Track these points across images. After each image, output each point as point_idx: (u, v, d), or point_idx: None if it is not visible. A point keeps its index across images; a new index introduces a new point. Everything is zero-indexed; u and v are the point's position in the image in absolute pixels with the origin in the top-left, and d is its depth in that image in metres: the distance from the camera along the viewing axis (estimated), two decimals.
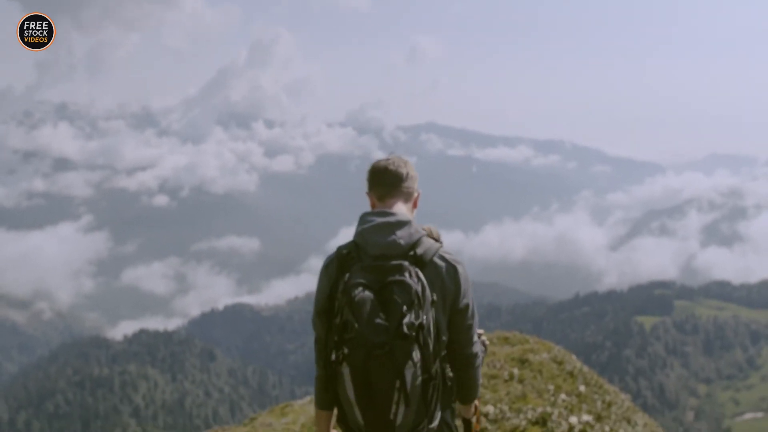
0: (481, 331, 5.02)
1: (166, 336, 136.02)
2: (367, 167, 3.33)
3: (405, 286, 2.73)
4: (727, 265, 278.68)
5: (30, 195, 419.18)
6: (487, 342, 5.02)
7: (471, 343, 3.13)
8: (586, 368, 13.43)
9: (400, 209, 3.08)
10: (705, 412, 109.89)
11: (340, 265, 2.93)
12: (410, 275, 2.77)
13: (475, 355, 3.17)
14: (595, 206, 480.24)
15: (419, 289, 2.74)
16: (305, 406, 13.01)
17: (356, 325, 2.68)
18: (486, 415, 8.87)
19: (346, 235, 3.26)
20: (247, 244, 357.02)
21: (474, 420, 3.87)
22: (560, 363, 12.71)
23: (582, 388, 11.28)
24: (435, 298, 2.84)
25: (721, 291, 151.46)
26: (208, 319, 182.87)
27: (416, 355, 2.69)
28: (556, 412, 8.88)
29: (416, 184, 3.25)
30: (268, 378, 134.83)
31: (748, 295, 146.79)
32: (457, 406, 3.68)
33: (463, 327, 3.06)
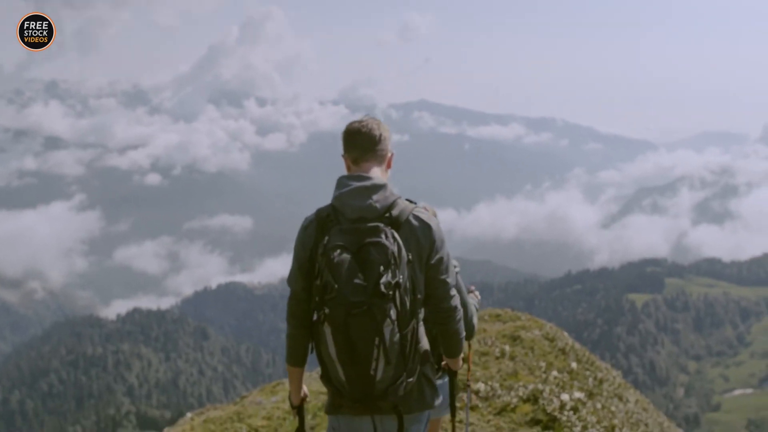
0: (473, 287, 5.07)
1: (159, 315, 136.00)
2: None
3: (381, 247, 2.83)
4: (717, 243, 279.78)
5: (21, 174, 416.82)
6: (479, 296, 5.07)
7: (448, 297, 3.17)
8: (577, 345, 13.41)
9: (375, 173, 3.15)
10: (695, 389, 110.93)
11: (320, 227, 3.02)
12: (386, 236, 2.87)
13: (454, 308, 3.21)
14: (587, 184, 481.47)
15: (395, 249, 2.85)
16: None
17: (336, 286, 2.77)
18: (477, 392, 8.84)
19: None
20: (240, 223, 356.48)
21: (466, 370, 3.99)
22: (552, 340, 12.69)
23: (574, 365, 11.26)
24: (410, 257, 2.95)
25: (712, 268, 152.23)
26: (201, 298, 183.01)
27: (393, 312, 2.80)
28: (547, 389, 8.85)
29: (390, 144, 3.28)
30: (262, 356, 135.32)
31: (739, 273, 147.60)
32: (445, 359, 3.77)
33: (438, 281, 3.12)
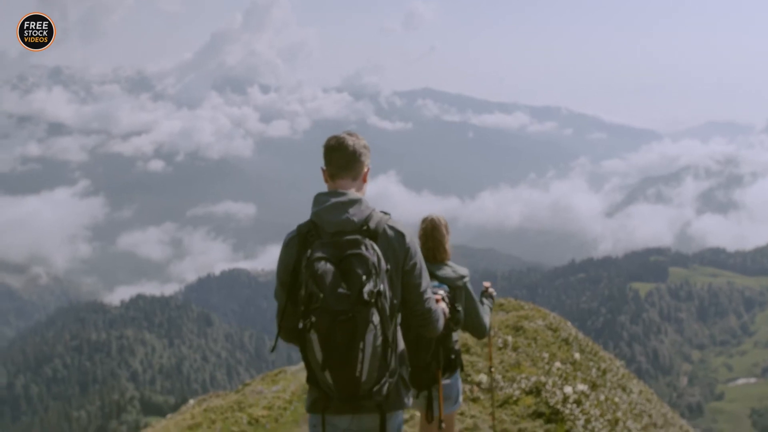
0: (488, 284, 5.01)
1: (163, 301, 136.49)
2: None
3: (363, 259, 3.04)
4: (722, 233, 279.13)
5: (25, 160, 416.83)
6: (495, 294, 4.99)
7: (422, 300, 3.38)
8: (581, 335, 13.33)
9: (351, 188, 3.38)
10: (698, 378, 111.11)
11: (302, 242, 3.24)
12: (366, 248, 3.08)
13: (429, 311, 3.41)
14: (592, 173, 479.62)
15: (375, 260, 3.06)
16: (298, 373, 12.91)
17: (321, 295, 2.96)
18: (479, 384, 8.76)
19: None
20: (243, 210, 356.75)
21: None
22: (555, 330, 12.61)
23: (577, 355, 11.19)
24: (389, 266, 3.17)
25: (716, 258, 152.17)
26: (205, 285, 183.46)
27: (375, 318, 3.00)
28: (550, 381, 8.78)
29: (368, 159, 3.48)
30: (265, 342, 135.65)
31: (743, 263, 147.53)
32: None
33: (412, 285, 3.33)
